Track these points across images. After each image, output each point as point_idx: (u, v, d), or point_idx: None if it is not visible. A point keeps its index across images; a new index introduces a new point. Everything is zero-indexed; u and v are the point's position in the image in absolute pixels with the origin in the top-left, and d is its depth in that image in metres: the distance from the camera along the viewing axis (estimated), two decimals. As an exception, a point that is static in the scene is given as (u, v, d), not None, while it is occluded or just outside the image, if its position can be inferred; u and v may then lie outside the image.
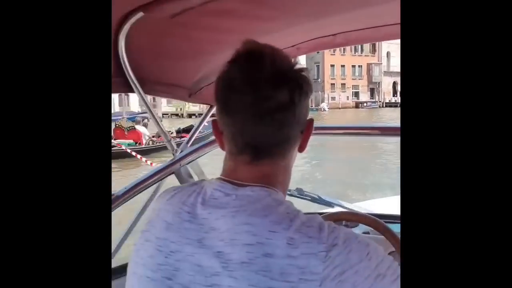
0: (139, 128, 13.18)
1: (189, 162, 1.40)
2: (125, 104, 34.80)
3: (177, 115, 37.70)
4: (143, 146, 12.77)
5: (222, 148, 0.70)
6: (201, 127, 1.56)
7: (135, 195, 1.24)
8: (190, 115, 35.89)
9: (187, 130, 15.68)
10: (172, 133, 14.64)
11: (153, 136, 13.80)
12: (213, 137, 1.31)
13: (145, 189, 1.29)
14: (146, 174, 1.30)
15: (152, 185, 1.33)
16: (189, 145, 1.47)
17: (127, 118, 20.43)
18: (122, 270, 1.21)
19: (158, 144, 13.28)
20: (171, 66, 1.26)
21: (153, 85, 1.29)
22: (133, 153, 10.28)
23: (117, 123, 13.36)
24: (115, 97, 32.53)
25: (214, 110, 1.57)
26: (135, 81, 1.18)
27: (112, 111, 30.69)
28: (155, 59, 1.20)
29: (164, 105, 39.36)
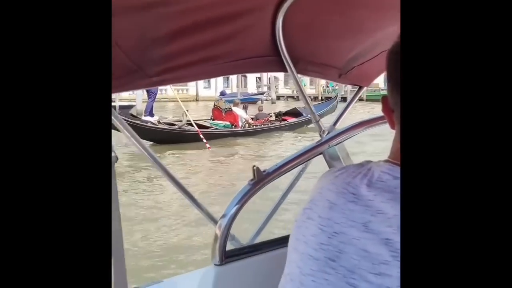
0: (236, 110, 12.87)
1: (336, 144, 1.36)
2: (242, 86, 35.59)
3: (293, 97, 37.25)
4: (239, 129, 12.42)
5: (392, 127, 0.68)
6: (349, 109, 1.53)
7: (284, 174, 1.25)
8: (305, 98, 35.02)
9: (290, 113, 14.96)
10: (271, 116, 14.07)
11: (251, 119, 13.41)
12: (361, 119, 1.35)
13: (293, 168, 1.29)
14: (295, 153, 1.29)
15: (300, 164, 1.33)
16: (336, 126, 1.44)
17: (240, 99, 20.61)
18: (283, 241, 1.24)
19: (254, 127, 12.87)
20: (325, 45, 1.26)
21: (305, 65, 1.29)
22: (202, 137, 10.07)
23: (215, 103, 13.25)
24: (233, 78, 33.48)
25: (362, 92, 1.55)
26: (289, 61, 1.19)
27: (229, 92, 32.03)
28: (310, 38, 1.20)
29: (281, 87, 39.24)
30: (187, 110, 10.79)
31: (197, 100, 32.65)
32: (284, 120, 14.20)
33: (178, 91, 32.52)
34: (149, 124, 10.49)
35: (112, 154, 1.02)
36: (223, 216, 1.17)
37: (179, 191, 1.27)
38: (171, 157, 9.09)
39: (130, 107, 14.57)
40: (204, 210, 1.29)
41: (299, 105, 19.63)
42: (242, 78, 35.60)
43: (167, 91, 29.31)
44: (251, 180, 1.19)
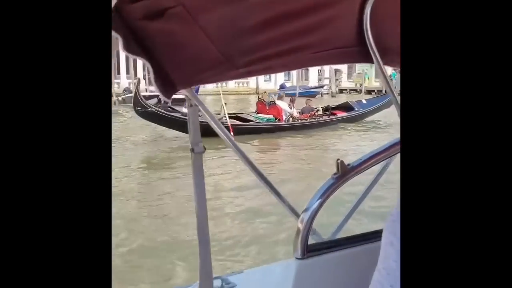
0: (280, 103, 12.54)
1: None
2: (303, 79, 34.98)
3: (356, 90, 35.90)
4: (283, 123, 12.09)
5: None
6: None
7: (368, 168, 1.22)
8: (369, 91, 33.58)
9: (340, 107, 14.30)
10: (318, 110, 13.54)
11: (298, 112, 13.00)
12: None
13: (378, 163, 1.27)
14: (380, 147, 1.27)
15: (385, 159, 1.30)
16: None
17: (299, 92, 20.08)
18: (365, 237, 1.28)
19: (298, 122, 12.46)
20: None
21: (393, 56, 1.23)
22: (231, 132, 9.83)
23: (259, 97, 13.01)
24: (293, 73, 32.96)
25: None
26: (376, 52, 1.17)
27: (289, 85, 31.57)
28: (399, 28, 1.15)
29: (344, 80, 37.98)
30: (225, 104, 10.67)
31: (257, 93, 32.60)
32: (333, 114, 13.60)
33: (238, 84, 32.80)
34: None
35: (200, 144, 1.05)
36: (306, 210, 1.17)
37: (263, 184, 1.25)
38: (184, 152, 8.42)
39: (183, 100, 14.80)
40: (286, 203, 1.27)
41: (360, 97, 18.61)
42: (304, 70, 34.97)
43: (228, 84, 29.63)
44: (335, 174, 1.17)
